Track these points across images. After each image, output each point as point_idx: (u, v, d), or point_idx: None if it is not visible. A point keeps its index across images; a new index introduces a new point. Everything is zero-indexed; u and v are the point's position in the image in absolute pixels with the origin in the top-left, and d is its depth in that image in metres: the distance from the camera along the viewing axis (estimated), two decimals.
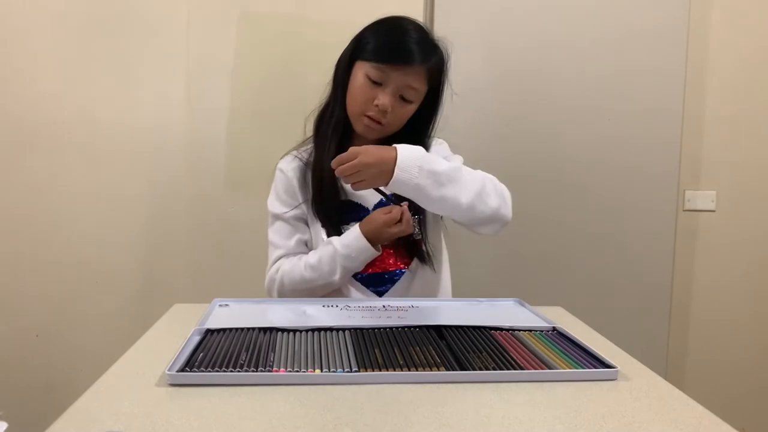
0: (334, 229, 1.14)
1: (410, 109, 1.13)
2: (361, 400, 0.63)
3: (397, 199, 1.06)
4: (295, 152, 1.21)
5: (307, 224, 1.18)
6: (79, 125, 1.73)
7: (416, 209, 1.12)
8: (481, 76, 1.85)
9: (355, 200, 1.17)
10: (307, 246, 1.18)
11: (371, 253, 1.09)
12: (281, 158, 1.22)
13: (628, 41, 1.85)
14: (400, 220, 1.07)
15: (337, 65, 1.17)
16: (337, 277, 1.10)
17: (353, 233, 1.09)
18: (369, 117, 1.10)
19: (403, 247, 1.16)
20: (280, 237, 1.17)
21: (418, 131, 1.17)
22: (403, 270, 1.16)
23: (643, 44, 1.85)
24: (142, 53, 1.73)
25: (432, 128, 1.20)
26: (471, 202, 0.99)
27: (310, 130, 1.22)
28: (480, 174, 1.04)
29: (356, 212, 1.16)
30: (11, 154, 1.71)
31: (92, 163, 1.74)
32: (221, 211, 1.78)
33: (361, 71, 1.10)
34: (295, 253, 1.16)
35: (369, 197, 1.16)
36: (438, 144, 1.25)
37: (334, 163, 0.93)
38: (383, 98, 1.08)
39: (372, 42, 1.11)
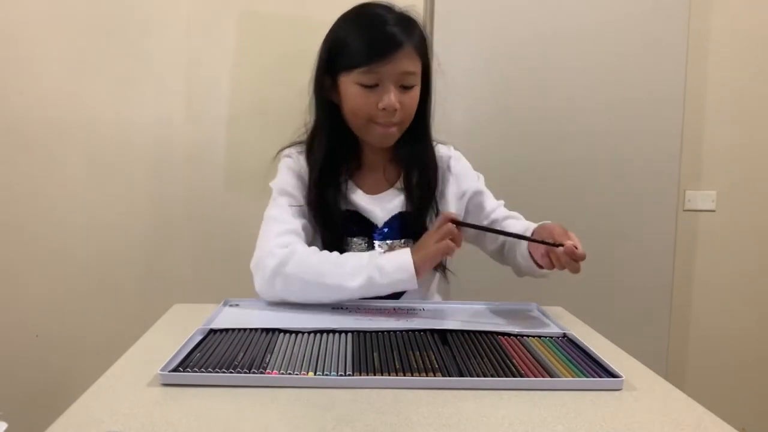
0: (337, 240, 1.06)
1: (415, 94, 1.05)
2: (361, 401, 0.63)
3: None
4: (297, 148, 1.14)
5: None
6: (78, 125, 1.72)
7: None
8: (481, 75, 1.85)
9: (363, 213, 1.09)
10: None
11: (409, 283, 0.93)
12: (283, 149, 1.15)
13: (629, 41, 1.84)
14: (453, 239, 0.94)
15: (315, 86, 1.07)
16: (356, 283, 0.93)
17: (402, 255, 0.94)
18: (380, 124, 1.03)
19: None
20: (287, 213, 1.04)
21: (418, 114, 1.08)
22: None
23: (643, 44, 1.85)
24: (142, 53, 1.73)
25: (429, 107, 1.12)
26: None
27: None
28: None
29: (363, 225, 1.08)
30: (10, 154, 1.71)
31: (92, 163, 1.74)
32: (221, 211, 1.78)
33: (350, 82, 1.01)
34: (301, 236, 1.03)
35: (378, 213, 1.09)
36: (457, 159, 1.18)
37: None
38: (387, 98, 1.00)
39: (349, 46, 1.02)
